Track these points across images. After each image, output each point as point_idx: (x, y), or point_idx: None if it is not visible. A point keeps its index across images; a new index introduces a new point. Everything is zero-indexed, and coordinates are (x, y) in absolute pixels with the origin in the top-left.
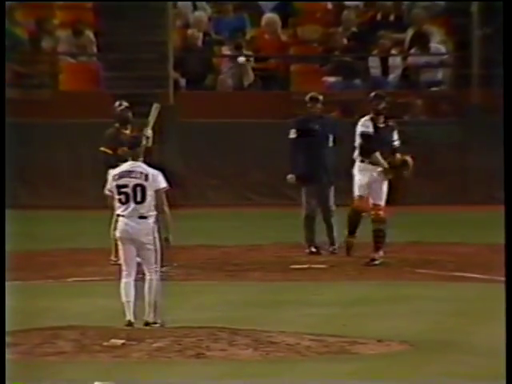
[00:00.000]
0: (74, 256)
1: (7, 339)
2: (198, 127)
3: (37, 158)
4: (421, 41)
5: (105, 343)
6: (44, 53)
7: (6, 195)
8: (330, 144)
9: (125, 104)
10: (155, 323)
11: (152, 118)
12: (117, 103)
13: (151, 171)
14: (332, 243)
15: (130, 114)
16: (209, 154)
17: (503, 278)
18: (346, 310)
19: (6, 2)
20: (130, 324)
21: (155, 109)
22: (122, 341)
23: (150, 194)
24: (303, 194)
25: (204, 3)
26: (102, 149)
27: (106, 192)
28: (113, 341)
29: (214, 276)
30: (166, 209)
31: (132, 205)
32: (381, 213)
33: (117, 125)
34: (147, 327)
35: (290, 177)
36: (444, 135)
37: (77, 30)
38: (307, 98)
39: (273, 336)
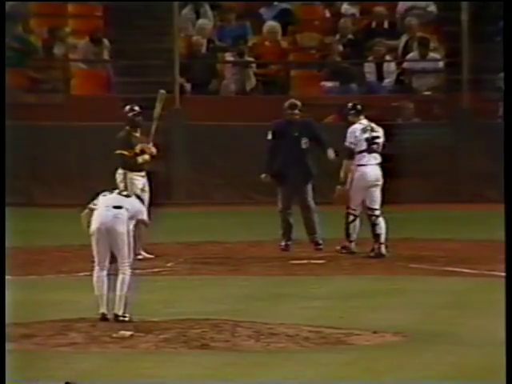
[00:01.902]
0: (85, 252)
1: (23, 331)
2: (202, 130)
3: (50, 158)
4: (423, 42)
5: (114, 335)
6: (57, 59)
7: (21, 194)
8: (304, 146)
9: (136, 109)
10: (124, 316)
11: (159, 104)
12: (128, 107)
13: (136, 208)
14: (315, 241)
15: (140, 118)
16: (212, 155)
17: (491, 272)
18: (342, 303)
19: (21, 12)
20: (104, 316)
21: (161, 95)
22: (130, 332)
23: (131, 200)
24: (278, 192)
25: (208, 12)
26: (119, 152)
27: (90, 205)
28: (121, 332)
29: (217, 270)
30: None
31: (115, 195)
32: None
33: (127, 128)
34: (118, 319)
35: (264, 176)
36: (435, 137)
37: (95, 38)
38: (287, 104)
39: (273, 328)
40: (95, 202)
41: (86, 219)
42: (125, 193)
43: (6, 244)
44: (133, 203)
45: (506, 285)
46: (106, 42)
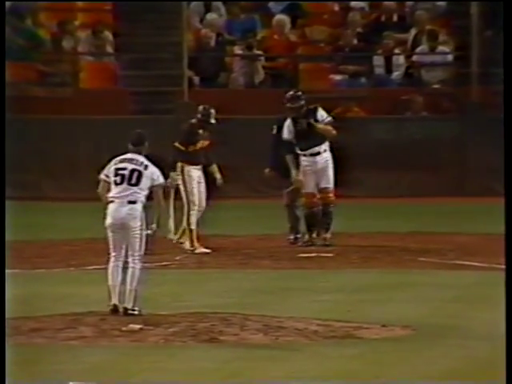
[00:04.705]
0: (94, 245)
1: (32, 324)
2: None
3: (59, 152)
4: (432, 35)
5: (123, 328)
6: (65, 53)
7: (31, 188)
8: None
9: (212, 111)
10: (133, 310)
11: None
12: (201, 107)
13: (151, 165)
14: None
15: (213, 121)
16: (221, 149)
17: (500, 266)
18: (351, 297)
19: (30, 6)
20: (115, 308)
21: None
22: (140, 326)
23: (144, 182)
24: (283, 187)
25: (219, 5)
26: (176, 144)
27: (102, 176)
28: (131, 326)
29: (226, 264)
30: (162, 203)
31: (125, 185)
32: (330, 195)
33: (194, 121)
34: (127, 313)
35: (267, 170)
36: (444, 130)
37: (96, 30)
38: (287, 96)
39: (282, 321)
40: (105, 171)
41: (102, 194)
42: (135, 156)
43: (14, 238)
44: (153, 170)
45: (505, 280)
46: (108, 34)
